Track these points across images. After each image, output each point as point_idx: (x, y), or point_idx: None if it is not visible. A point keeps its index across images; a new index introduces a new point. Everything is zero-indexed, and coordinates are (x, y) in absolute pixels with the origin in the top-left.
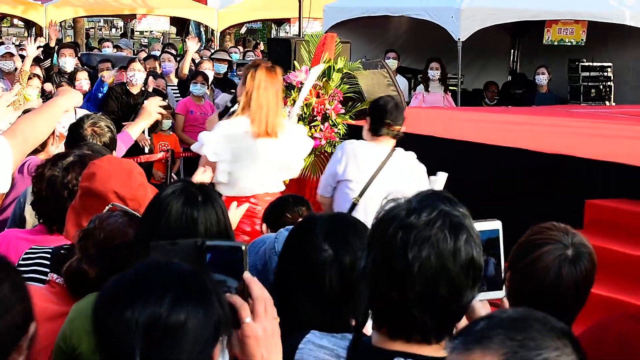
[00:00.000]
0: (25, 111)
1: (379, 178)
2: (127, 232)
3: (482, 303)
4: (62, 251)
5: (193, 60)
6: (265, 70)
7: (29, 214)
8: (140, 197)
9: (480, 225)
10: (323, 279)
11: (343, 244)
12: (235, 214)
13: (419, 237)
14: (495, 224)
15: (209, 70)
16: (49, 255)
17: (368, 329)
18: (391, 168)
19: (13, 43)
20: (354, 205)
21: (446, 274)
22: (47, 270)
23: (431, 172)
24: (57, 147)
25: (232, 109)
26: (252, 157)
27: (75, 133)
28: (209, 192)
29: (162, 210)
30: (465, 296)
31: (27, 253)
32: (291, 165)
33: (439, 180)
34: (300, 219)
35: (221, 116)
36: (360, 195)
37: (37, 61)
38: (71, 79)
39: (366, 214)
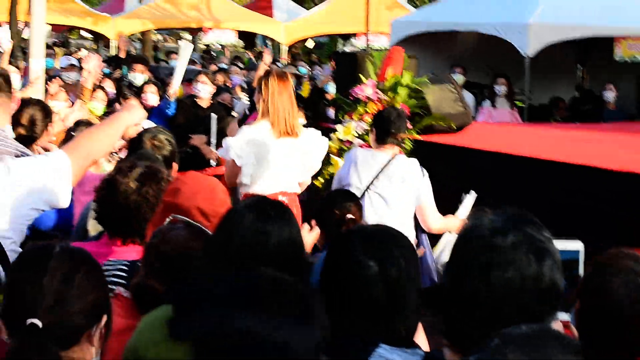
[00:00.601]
0: (77, 123)
1: (376, 182)
2: (191, 244)
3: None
4: (138, 264)
5: None
6: (277, 78)
7: (92, 225)
8: (222, 214)
9: (561, 245)
10: (370, 294)
11: (387, 257)
12: (308, 237)
13: (503, 259)
14: (576, 245)
15: None
16: (126, 268)
17: (419, 339)
18: (389, 173)
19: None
20: None
21: (526, 298)
22: (125, 282)
23: (497, 187)
24: (110, 162)
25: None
26: (274, 156)
27: (135, 146)
28: (283, 209)
29: (234, 224)
30: (542, 321)
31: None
32: (309, 165)
33: (467, 201)
34: (348, 215)
35: (240, 123)
36: (360, 197)
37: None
38: (138, 92)
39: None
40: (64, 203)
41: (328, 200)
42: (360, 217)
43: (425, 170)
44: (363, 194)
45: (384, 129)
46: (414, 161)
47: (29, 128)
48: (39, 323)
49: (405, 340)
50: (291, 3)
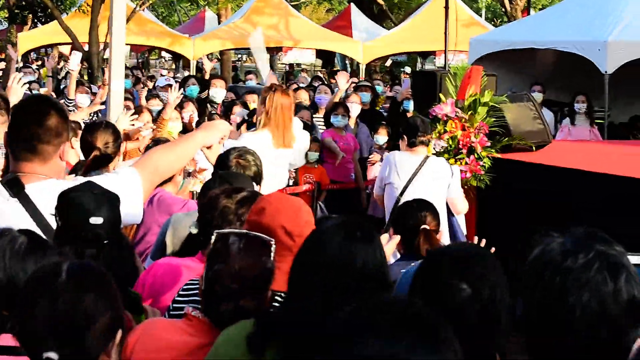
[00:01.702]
0: (156, 141)
1: (416, 179)
2: (258, 257)
3: None
4: None
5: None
6: (281, 93)
7: (169, 241)
8: (306, 234)
9: (636, 259)
10: (462, 317)
11: (479, 279)
12: (388, 247)
13: (577, 281)
14: None
15: (356, 103)
16: None
17: None
18: (425, 171)
19: (162, 75)
20: (397, 201)
21: (608, 316)
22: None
23: (577, 205)
24: (194, 183)
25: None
26: (272, 163)
27: (221, 164)
28: (369, 229)
29: (321, 244)
30: (627, 337)
31: (188, 284)
32: (296, 164)
33: None
34: (423, 226)
35: (238, 127)
36: (401, 194)
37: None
38: (227, 112)
39: None
40: (137, 219)
41: (404, 208)
42: (437, 225)
43: (455, 168)
44: (403, 191)
45: (413, 134)
46: (443, 160)
47: (104, 151)
48: (54, 356)
49: None
50: (370, 22)
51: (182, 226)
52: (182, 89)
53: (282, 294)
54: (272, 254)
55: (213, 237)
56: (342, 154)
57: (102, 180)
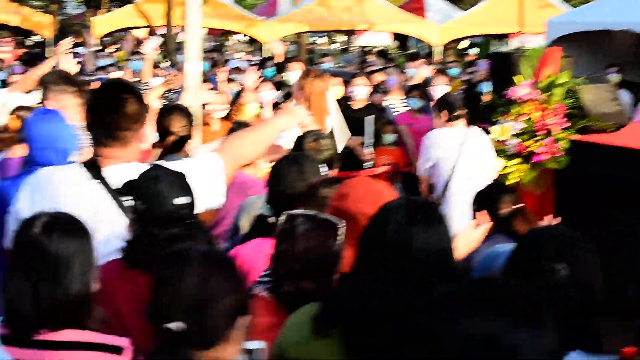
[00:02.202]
0: (239, 124)
1: (464, 153)
2: (323, 238)
3: None
4: None
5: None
6: (319, 79)
7: (243, 222)
8: None
9: None
10: (559, 298)
11: (576, 261)
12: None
13: None
14: None
15: (442, 85)
16: None
17: None
18: (470, 144)
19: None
20: (449, 178)
21: None
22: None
23: None
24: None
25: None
26: None
27: (297, 147)
28: (431, 211)
29: (382, 222)
30: None
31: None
32: None
33: None
34: (506, 209)
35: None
36: (452, 170)
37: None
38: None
39: (460, 183)
40: (219, 203)
41: (490, 193)
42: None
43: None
44: (453, 166)
45: (452, 109)
46: (481, 130)
47: (178, 134)
48: (176, 327)
49: (598, 345)
50: (444, 3)
51: (255, 209)
52: (260, 70)
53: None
54: (341, 237)
55: (282, 218)
56: (410, 142)
57: (183, 165)
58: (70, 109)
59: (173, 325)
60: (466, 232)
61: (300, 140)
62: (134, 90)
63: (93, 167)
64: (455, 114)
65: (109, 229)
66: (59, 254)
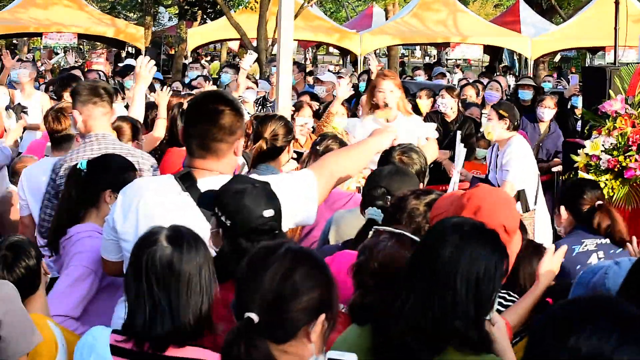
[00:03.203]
0: (323, 136)
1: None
2: (401, 255)
3: None
4: None
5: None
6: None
7: (332, 236)
8: (517, 228)
9: None
10: None
11: None
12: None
13: None
14: None
15: (549, 108)
16: None
17: None
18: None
19: (329, 70)
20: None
21: None
22: None
23: None
24: (357, 178)
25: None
26: None
27: (385, 160)
28: (484, 233)
29: (437, 241)
30: None
31: None
32: None
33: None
34: (598, 202)
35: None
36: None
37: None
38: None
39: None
40: (310, 221)
41: (575, 187)
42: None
43: None
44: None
45: (516, 118)
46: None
47: (271, 142)
48: (254, 317)
49: None
50: (538, 17)
51: (344, 223)
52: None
53: None
54: None
55: (371, 232)
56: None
57: (276, 179)
58: (96, 119)
59: (250, 316)
60: (547, 261)
61: (389, 151)
62: (232, 102)
63: (187, 178)
64: (517, 123)
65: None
66: (188, 269)
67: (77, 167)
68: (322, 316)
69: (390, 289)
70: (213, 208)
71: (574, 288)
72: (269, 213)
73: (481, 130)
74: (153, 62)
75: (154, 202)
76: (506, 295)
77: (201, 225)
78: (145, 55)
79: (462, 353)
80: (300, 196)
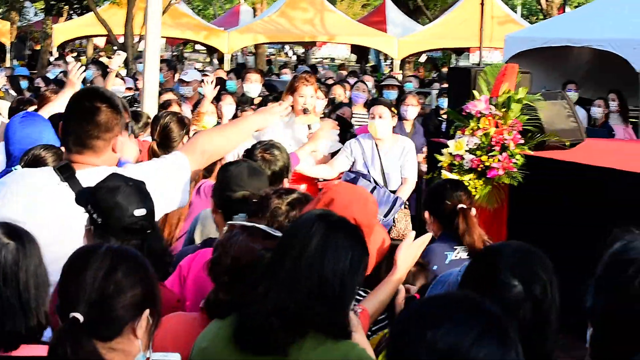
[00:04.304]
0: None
1: None
2: (252, 248)
3: None
4: None
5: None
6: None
7: (198, 234)
8: (373, 224)
9: None
10: (516, 315)
11: (532, 276)
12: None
13: None
14: None
15: (412, 105)
16: None
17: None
18: None
19: (195, 68)
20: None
21: None
22: None
23: (610, 203)
24: None
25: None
26: None
27: (248, 157)
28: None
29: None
30: None
31: None
32: None
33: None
34: (460, 205)
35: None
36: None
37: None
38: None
39: None
40: (184, 202)
41: (438, 190)
42: (471, 204)
43: None
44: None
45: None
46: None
47: (164, 137)
48: (80, 317)
49: None
50: (405, 17)
51: (209, 222)
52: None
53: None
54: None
55: (225, 228)
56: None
57: (145, 169)
58: None
59: (75, 315)
60: (405, 247)
61: (251, 149)
62: (109, 99)
63: (65, 170)
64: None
65: (77, 234)
66: (32, 263)
67: None
68: (147, 312)
69: (242, 282)
70: (86, 205)
71: (432, 286)
72: (140, 212)
73: (352, 130)
74: (83, 68)
75: (28, 192)
76: (362, 292)
77: (77, 217)
78: (10, 51)
79: (322, 339)
80: (173, 179)
